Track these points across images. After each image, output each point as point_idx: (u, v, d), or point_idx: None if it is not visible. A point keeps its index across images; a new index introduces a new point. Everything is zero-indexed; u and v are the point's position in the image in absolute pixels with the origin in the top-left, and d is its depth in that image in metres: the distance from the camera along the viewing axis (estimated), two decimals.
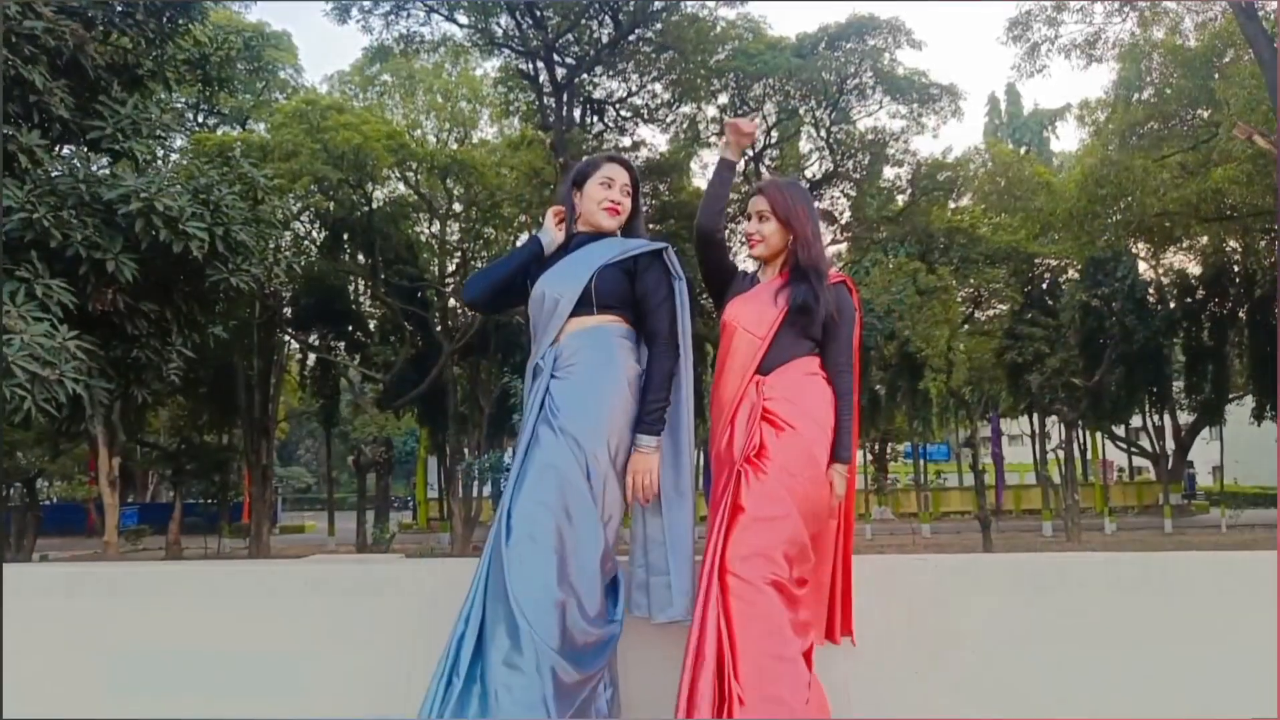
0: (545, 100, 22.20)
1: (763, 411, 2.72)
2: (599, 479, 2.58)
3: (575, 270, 2.74)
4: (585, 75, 22.14)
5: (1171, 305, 27.58)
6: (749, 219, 2.90)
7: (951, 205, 25.30)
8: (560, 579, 2.50)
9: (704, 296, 3.21)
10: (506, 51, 22.38)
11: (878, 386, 30.41)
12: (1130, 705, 2.95)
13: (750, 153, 24.12)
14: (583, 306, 2.71)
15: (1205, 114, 19.82)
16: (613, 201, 2.81)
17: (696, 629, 2.61)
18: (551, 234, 2.86)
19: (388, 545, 25.09)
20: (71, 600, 3.30)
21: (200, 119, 23.92)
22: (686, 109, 23.37)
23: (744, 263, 3.17)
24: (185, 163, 10.61)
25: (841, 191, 24.86)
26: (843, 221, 25.25)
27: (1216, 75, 18.47)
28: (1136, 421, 34.44)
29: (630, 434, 2.66)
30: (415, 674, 2.91)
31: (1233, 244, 25.39)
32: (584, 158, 3.03)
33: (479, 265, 24.77)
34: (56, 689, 3.17)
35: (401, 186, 24.40)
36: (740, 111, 23.27)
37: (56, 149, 7.83)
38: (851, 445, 2.81)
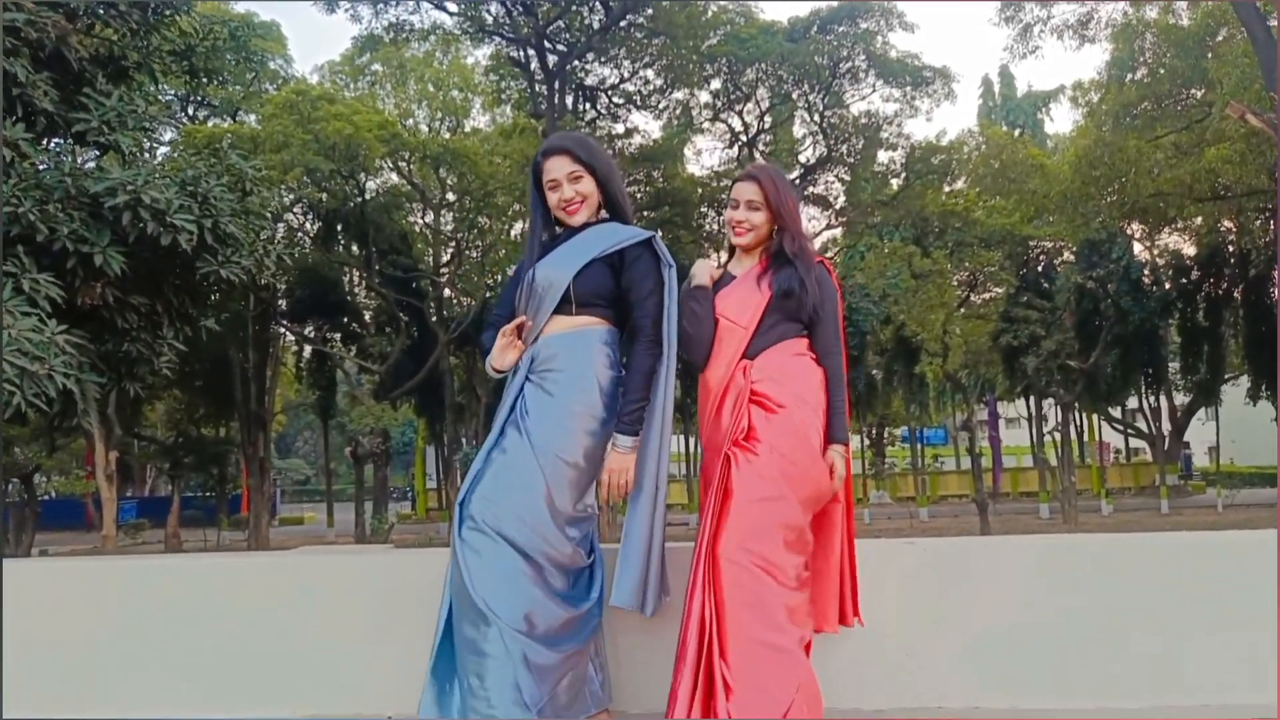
0: (537, 88, 22.12)
1: (751, 394, 2.70)
2: (558, 484, 2.55)
3: (560, 265, 2.69)
4: (577, 62, 22.05)
5: (1166, 286, 27.57)
6: (736, 206, 2.84)
7: (946, 189, 25.27)
8: (519, 564, 2.49)
9: None
10: (497, 39, 22.28)
11: (874, 371, 30.43)
12: (1128, 690, 2.95)
13: (744, 138, 24.08)
14: (564, 304, 2.66)
15: (1198, 94, 19.78)
16: (564, 201, 2.72)
17: (683, 617, 2.61)
18: (497, 360, 2.71)
19: (386, 536, 25.11)
20: (69, 594, 3.29)
21: (191, 111, 23.80)
22: (679, 94, 23.31)
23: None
24: (175, 155, 10.55)
25: (835, 176, 24.82)
26: (837, 206, 25.23)
27: (1209, 54, 18.42)
28: (1133, 403, 34.51)
29: (596, 438, 2.63)
30: (407, 668, 2.90)
31: (1227, 224, 25.38)
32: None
33: (473, 255, 24.72)
34: (56, 684, 3.17)
35: (394, 177, 24.32)
36: (733, 96, 23.22)
37: (43, 142, 7.77)
38: (847, 425, 2.80)
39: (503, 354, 2.70)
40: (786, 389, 2.69)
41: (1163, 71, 19.75)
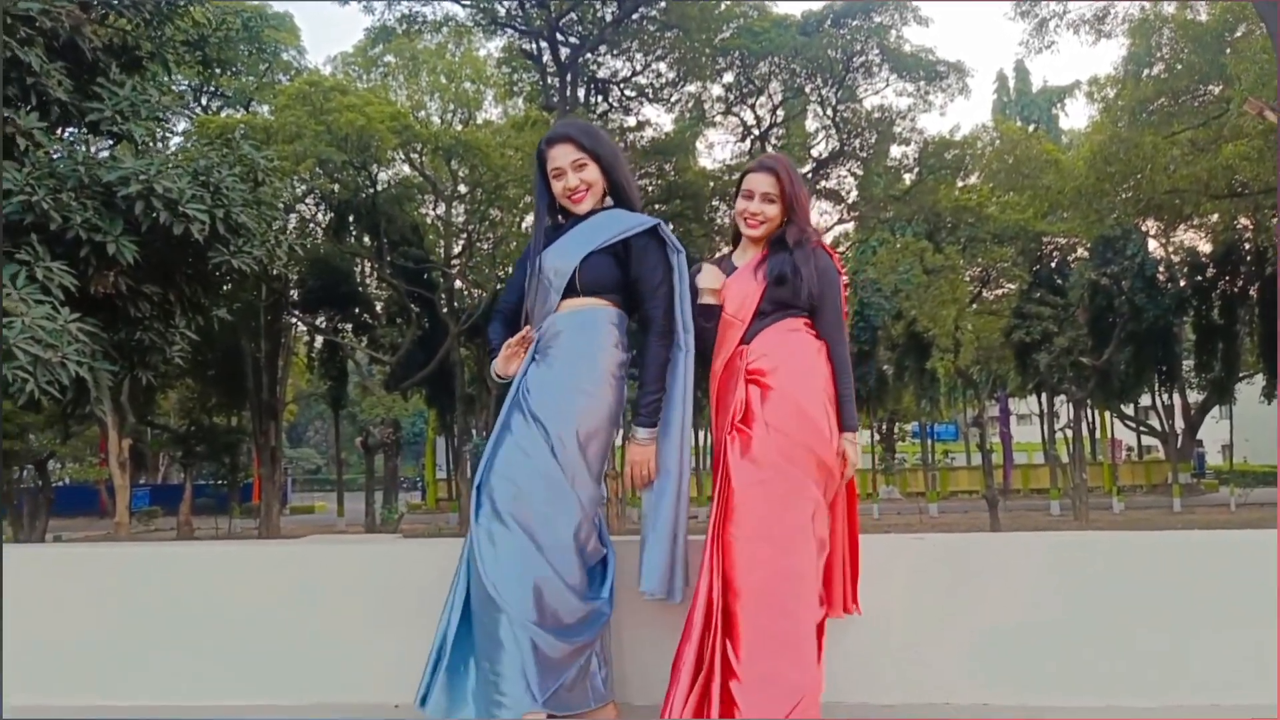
0: (549, 80, 22.10)
1: (746, 374, 2.68)
2: (568, 462, 2.54)
3: (565, 255, 2.68)
4: (589, 55, 22.01)
5: (1181, 283, 27.35)
6: (750, 198, 2.79)
7: (959, 184, 25.12)
8: (532, 554, 2.49)
9: None
10: (510, 31, 22.26)
11: (885, 366, 30.32)
12: (1135, 688, 2.93)
13: (756, 132, 24.00)
14: (570, 293, 2.66)
15: (1216, 90, 19.60)
16: (569, 189, 2.70)
17: (691, 599, 2.60)
18: (501, 368, 2.73)
19: (396, 526, 25.24)
20: (78, 581, 3.32)
21: (204, 102, 23.88)
22: (691, 88, 23.23)
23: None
24: (188, 145, 10.60)
25: (848, 170, 24.72)
26: (849, 201, 25.13)
27: (1228, 50, 18.24)
28: (1146, 400, 34.29)
29: (606, 423, 2.62)
30: (415, 658, 2.91)
31: (1244, 221, 25.14)
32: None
33: (484, 247, 24.73)
34: (61, 672, 3.19)
35: (406, 168, 24.31)
36: (746, 90, 23.14)
37: (57, 131, 7.81)
38: (855, 413, 2.77)
39: (507, 363, 2.71)
40: (780, 363, 2.67)
41: (1180, 67, 19.58)
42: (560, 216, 2.82)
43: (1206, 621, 2.96)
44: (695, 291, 2.78)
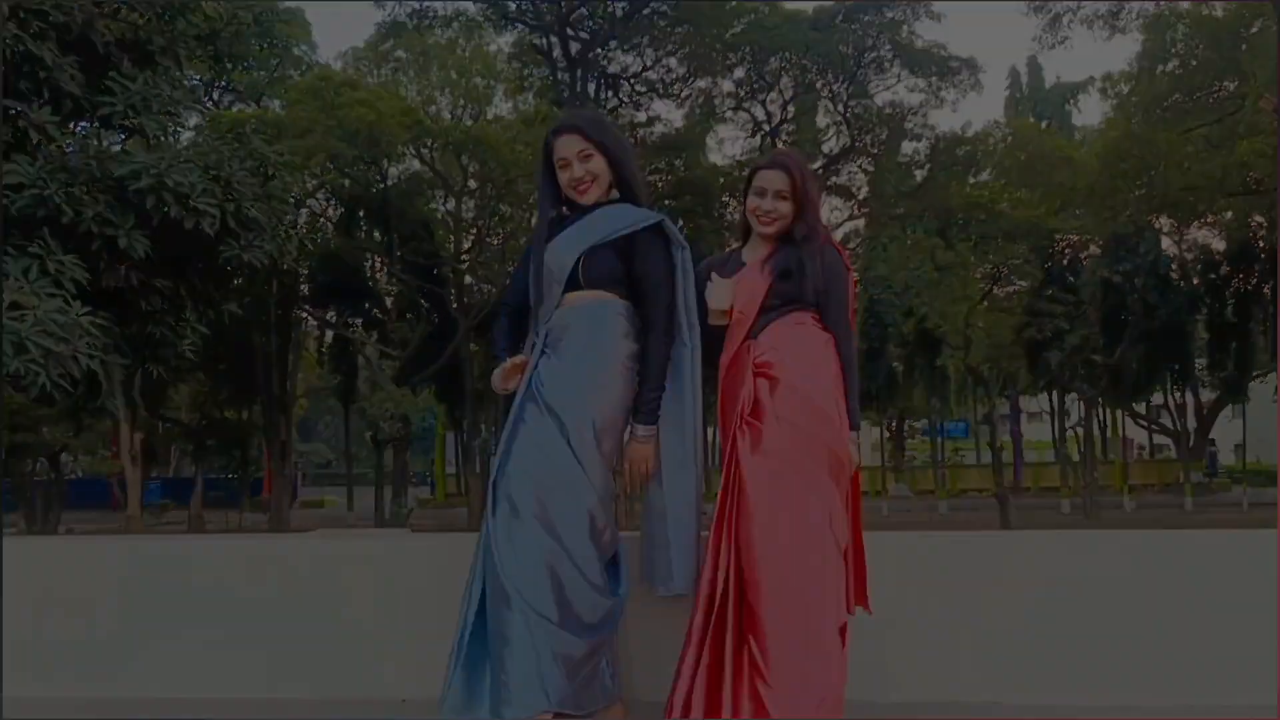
0: (559, 75, 22.10)
1: (754, 367, 2.66)
2: (584, 454, 2.52)
3: (567, 249, 2.66)
4: (599, 50, 21.99)
5: (1195, 281, 27.17)
6: (763, 195, 2.76)
7: (971, 180, 25.02)
8: (554, 551, 2.46)
9: None
10: (520, 26, 22.28)
11: (895, 364, 30.23)
12: (1141, 687, 2.91)
13: (767, 128, 23.94)
14: (573, 286, 2.63)
15: (1231, 86, 19.45)
16: (574, 180, 2.67)
17: (695, 596, 2.58)
18: (499, 383, 2.70)
19: (405, 520, 25.31)
20: (86, 573, 3.33)
21: (215, 96, 23.96)
22: (702, 83, 23.21)
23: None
24: (199, 140, 10.65)
25: (859, 167, 24.66)
26: (860, 197, 25.07)
27: (1243, 46, 18.09)
28: (1158, 399, 34.06)
29: (620, 414, 2.61)
30: (422, 652, 2.92)
31: (1258, 218, 24.93)
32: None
33: (494, 242, 24.77)
34: (66, 664, 3.21)
35: (416, 163, 24.35)
36: (756, 85, 23.09)
37: (70, 126, 7.84)
38: (859, 411, 2.74)
39: (505, 380, 2.68)
40: (788, 356, 2.65)
41: (1195, 63, 19.43)
42: (565, 209, 2.80)
43: (1207, 621, 2.94)
44: (704, 308, 2.76)
